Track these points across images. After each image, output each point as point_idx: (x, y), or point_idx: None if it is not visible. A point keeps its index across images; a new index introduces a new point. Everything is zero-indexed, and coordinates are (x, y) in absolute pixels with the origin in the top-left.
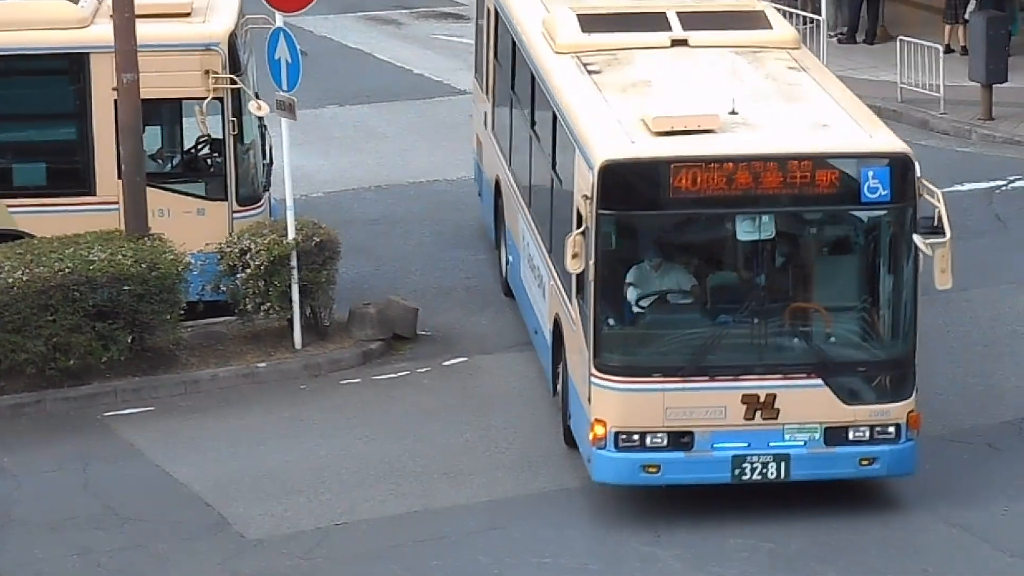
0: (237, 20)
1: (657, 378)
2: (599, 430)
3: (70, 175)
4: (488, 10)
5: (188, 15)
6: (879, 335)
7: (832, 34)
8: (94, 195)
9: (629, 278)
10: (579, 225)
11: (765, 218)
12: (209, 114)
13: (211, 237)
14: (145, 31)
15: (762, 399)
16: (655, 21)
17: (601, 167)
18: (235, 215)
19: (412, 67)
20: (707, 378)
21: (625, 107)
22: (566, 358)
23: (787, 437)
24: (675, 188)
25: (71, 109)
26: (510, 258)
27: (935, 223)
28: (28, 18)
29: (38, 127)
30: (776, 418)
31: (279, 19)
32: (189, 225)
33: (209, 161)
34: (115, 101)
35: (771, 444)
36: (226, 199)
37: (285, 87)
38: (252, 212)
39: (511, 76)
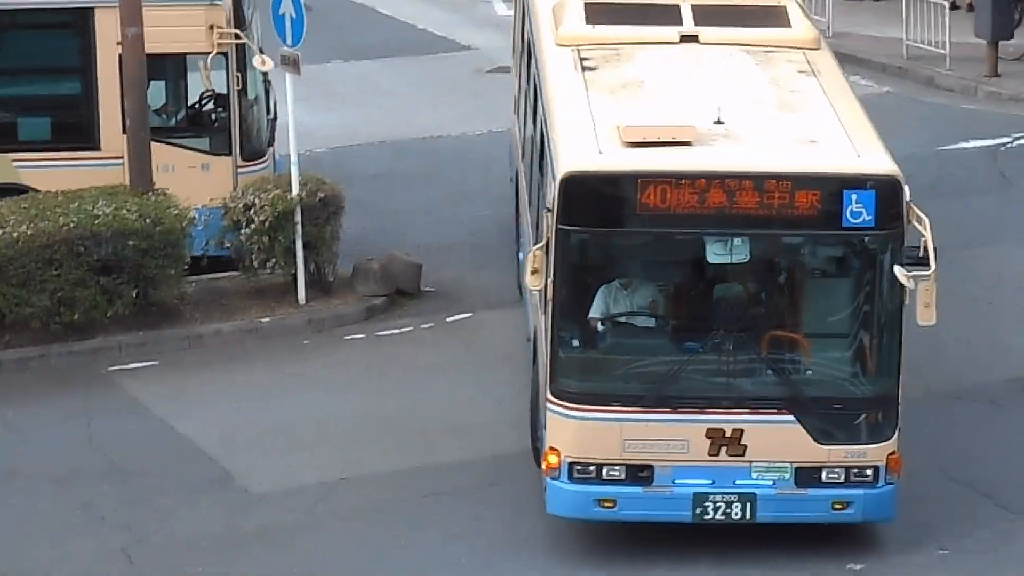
0: None
1: (615, 407)
2: (552, 459)
3: (75, 130)
4: None
5: None
6: (859, 371)
7: None
8: (99, 150)
9: (589, 299)
10: (541, 239)
11: (738, 240)
12: (213, 69)
13: (215, 192)
14: None
15: (728, 434)
16: (667, 14)
17: (563, 178)
18: (239, 170)
19: (416, 22)
20: (669, 409)
21: (608, 111)
22: (536, 375)
23: (754, 476)
24: (641, 205)
25: (76, 63)
26: (520, 256)
27: (921, 253)
28: None
29: (42, 81)
30: (743, 455)
31: None
32: (193, 180)
33: (213, 116)
34: (120, 56)
35: (737, 482)
36: (230, 154)
37: (289, 42)
38: (256, 167)
39: (526, 62)
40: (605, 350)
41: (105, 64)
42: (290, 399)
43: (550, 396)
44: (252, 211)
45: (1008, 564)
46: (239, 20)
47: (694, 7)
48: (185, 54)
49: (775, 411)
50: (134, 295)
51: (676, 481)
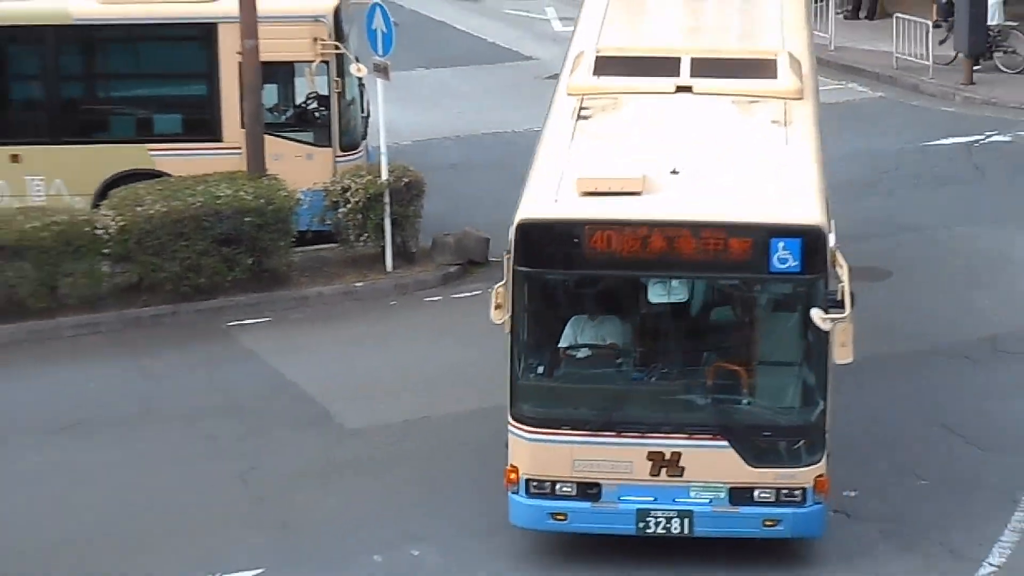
0: None
1: (566, 431)
2: (512, 475)
3: (201, 124)
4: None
5: None
6: (787, 402)
7: (839, 11)
8: (221, 141)
9: (544, 334)
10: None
11: (676, 283)
12: (317, 75)
13: (318, 177)
14: (264, 5)
15: (667, 457)
16: (669, 66)
17: (518, 225)
18: (338, 159)
19: (486, 36)
20: (614, 433)
21: (581, 160)
22: None
23: (692, 494)
24: (589, 249)
25: (203, 69)
26: None
27: (839, 297)
28: None
29: (175, 84)
30: (681, 476)
31: None
32: (299, 167)
33: (317, 114)
34: (239, 63)
35: (676, 500)
36: (331, 146)
37: (380, 53)
38: (352, 157)
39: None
40: (558, 379)
41: (227, 70)
42: (379, 350)
43: (510, 419)
44: (348, 193)
45: (978, 490)
46: (339, 33)
47: (694, 59)
48: (293, 62)
49: (710, 437)
50: (250, 263)
51: (621, 498)
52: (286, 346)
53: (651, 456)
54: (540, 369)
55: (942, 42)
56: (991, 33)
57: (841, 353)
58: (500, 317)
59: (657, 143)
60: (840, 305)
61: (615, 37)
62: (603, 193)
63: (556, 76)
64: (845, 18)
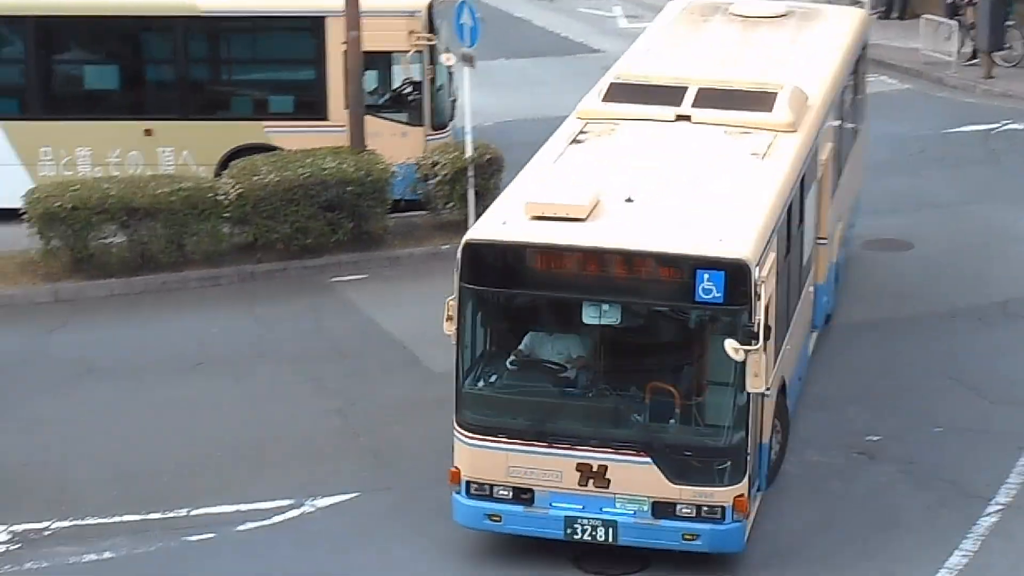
0: None
1: (503, 439)
2: (455, 476)
3: (310, 105)
4: None
5: None
6: (709, 424)
7: (873, 12)
8: (327, 120)
9: (485, 347)
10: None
11: (607, 306)
12: (411, 63)
13: (411, 153)
14: (366, 1)
15: (594, 469)
16: (675, 95)
17: (463, 245)
18: (428, 137)
19: (559, 31)
20: (546, 444)
21: (547, 183)
22: None
23: (617, 505)
24: (526, 271)
25: (312, 57)
26: None
27: (754, 329)
28: None
29: (288, 69)
30: (607, 487)
31: None
32: (395, 144)
33: (411, 97)
34: (344, 52)
35: (603, 510)
36: (423, 125)
37: (467, 44)
38: (441, 135)
39: None
40: (497, 390)
41: (333, 58)
42: None
43: (455, 424)
44: (437, 167)
45: (987, 437)
46: (431, 27)
47: (700, 90)
48: (391, 51)
49: (634, 453)
50: (350, 226)
51: (552, 504)
52: (381, 299)
53: (580, 467)
54: (481, 380)
55: (948, 38)
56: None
57: (753, 383)
58: (449, 329)
59: (632, 170)
60: (755, 337)
61: (646, 64)
62: (550, 218)
63: None
64: (879, 18)
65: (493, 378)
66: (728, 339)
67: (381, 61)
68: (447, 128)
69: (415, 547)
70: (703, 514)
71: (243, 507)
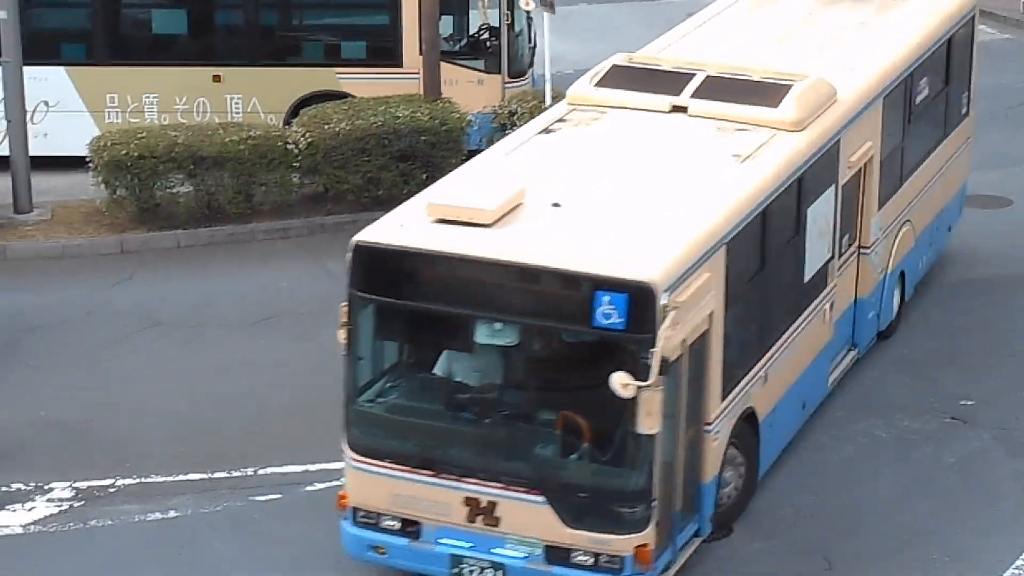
0: None
1: (388, 463)
2: (343, 501)
3: (383, 51)
4: None
5: None
6: (609, 465)
7: None
8: (401, 67)
9: (374, 361)
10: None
11: (499, 325)
12: (489, 7)
13: (487, 101)
14: None
15: (483, 504)
16: (677, 83)
17: (353, 247)
18: (506, 85)
19: None
20: (432, 473)
21: (468, 182)
22: None
23: (507, 547)
24: (417, 281)
25: (386, 1)
26: None
27: (650, 362)
28: None
29: (360, 14)
30: (496, 526)
31: None
32: (471, 92)
33: (488, 44)
34: None
35: (493, 550)
36: (500, 73)
37: None
38: (519, 83)
39: None
40: (383, 409)
41: (408, 2)
42: None
43: (343, 444)
44: (515, 116)
45: (1011, 383)
46: None
47: (708, 77)
48: None
49: (526, 490)
50: (424, 178)
51: (439, 540)
52: None
53: (468, 501)
54: (368, 396)
55: None
56: None
57: (646, 423)
58: (343, 336)
59: (586, 169)
60: (650, 372)
61: (690, 39)
62: (452, 222)
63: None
64: None
65: (384, 396)
66: (617, 372)
67: (457, 5)
68: (525, 76)
69: None
70: (601, 563)
71: (311, 467)
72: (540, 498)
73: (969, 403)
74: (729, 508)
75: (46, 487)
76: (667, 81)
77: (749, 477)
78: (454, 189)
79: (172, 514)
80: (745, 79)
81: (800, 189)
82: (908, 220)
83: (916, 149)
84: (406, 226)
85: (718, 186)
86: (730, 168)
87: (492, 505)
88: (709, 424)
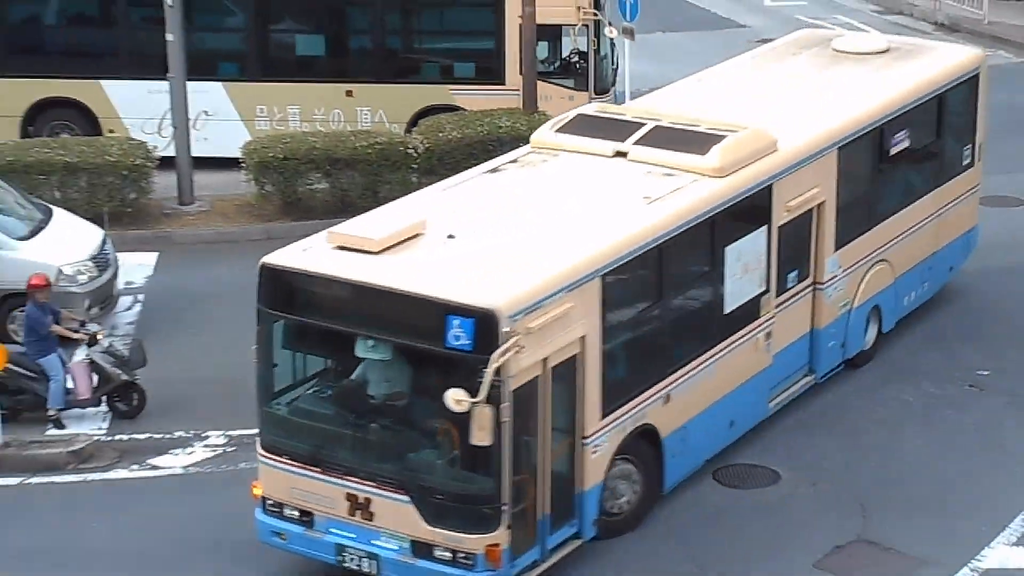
0: None
1: (287, 460)
2: (256, 492)
3: (489, 71)
4: None
5: None
6: (462, 470)
7: None
8: (504, 84)
9: (277, 369)
10: None
11: (372, 342)
12: (579, 35)
13: None
14: None
15: (360, 500)
16: (626, 130)
17: (260, 266)
18: (592, 100)
19: (710, 8)
20: (319, 470)
21: (377, 213)
22: None
23: (382, 539)
24: (308, 299)
25: (491, 28)
26: None
27: (479, 380)
28: None
29: (471, 40)
30: (371, 520)
31: None
32: (563, 106)
33: (577, 65)
34: (519, 25)
35: (371, 542)
36: (587, 90)
37: (628, 18)
38: (604, 99)
39: None
40: (286, 412)
41: (510, 30)
42: None
43: (256, 441)
44: None
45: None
46: (597, 3)
47: (657, 127)
48: (562, 24)
49: (394, 489)
50: None
51: (329, 529)
52: None
53: (348, 497)
54: (273, 400)
55: None
56: None
57: (478, 436)
58: (253, 347)
59: (501, 206)
60: (478, 389)
61: (656, 97)
62: (346, 248)
63: (763, 40)
64: None
65: (285, 400)
66: (452, 389)
67: (552, 33)
68: (609, 92)
69: None
70: (458, 559)
71: None
72: (405, 497)
73: (985, 373)
74: (626, 517)
75: (203, 435)
76: (618, 129)
77: (649, 488)
78: (362, 220)
79: None
80: (690, 129)
81: (714, 229)
82: (884, 260)
83: (892, 195)
84: (308, 251)
85: (613, 224)
86: (636, 208)
87: (368, 501)
88: (587, 438)
